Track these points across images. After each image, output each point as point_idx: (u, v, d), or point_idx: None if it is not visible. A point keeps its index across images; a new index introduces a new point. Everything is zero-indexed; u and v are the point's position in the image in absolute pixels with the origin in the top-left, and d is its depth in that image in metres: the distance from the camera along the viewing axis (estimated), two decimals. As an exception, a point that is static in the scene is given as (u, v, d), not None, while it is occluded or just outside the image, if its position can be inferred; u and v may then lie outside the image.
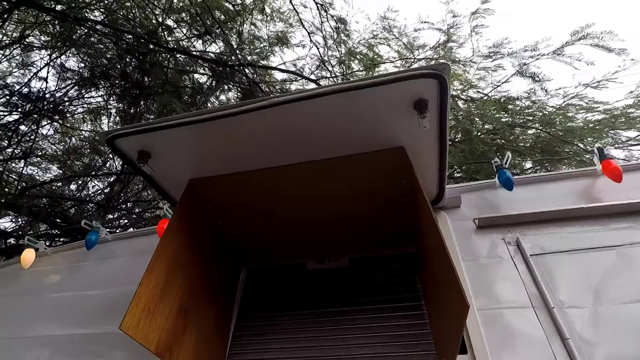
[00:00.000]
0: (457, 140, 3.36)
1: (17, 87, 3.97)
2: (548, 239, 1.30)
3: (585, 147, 2.73)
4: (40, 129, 4.26)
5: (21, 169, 4.39)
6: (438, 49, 3.83)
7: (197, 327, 1.24)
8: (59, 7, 3.25)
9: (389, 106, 1.08)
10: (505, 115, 3.19)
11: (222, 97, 4.29)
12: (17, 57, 4.21)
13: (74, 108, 4.44)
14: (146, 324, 0.99)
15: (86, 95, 4.32)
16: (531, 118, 3.20)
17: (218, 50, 4.00)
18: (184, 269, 1.26)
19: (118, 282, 1.65)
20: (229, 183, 1.38)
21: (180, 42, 3.94)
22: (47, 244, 2.00)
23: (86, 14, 3.39)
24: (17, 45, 4.03)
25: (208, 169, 1.35)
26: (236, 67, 3.75)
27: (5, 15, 3.52)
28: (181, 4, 3.87)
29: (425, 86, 1.00)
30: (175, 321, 1.13)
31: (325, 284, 1.60)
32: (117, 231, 1.95)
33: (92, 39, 3.58)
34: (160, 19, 3.79)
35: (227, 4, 3.90)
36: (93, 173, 5.14)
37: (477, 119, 3.32)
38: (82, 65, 4.02)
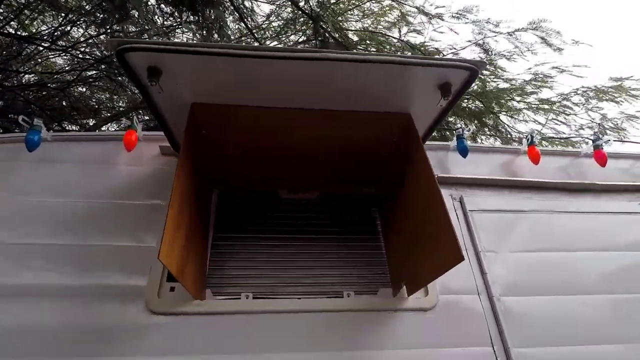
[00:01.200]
0: None
1: None
2: (483, 199, 1.70)
3: (495, 113, 3.36)
4: None
5: None
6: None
7: (194, 254, 1.30)
8: None
9: (416, 81, 1.20)
10: None
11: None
12: None
13: None
14: (169, 253, 1.03)
15: None
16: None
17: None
18: (189, 196, 1.26)
19: (66, 193, 1.51)
20: (227, 113, 1.34)
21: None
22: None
23: None
24: None
25: (211, 97, 1.28)
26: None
27: None
28: None
29: (457, 74, 1.15)
30: (183, 250, 1.17)
31: (295, 213, 1.77)
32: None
33: None
34: None
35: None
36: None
37: None
38: None
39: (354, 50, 3.61)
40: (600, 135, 1.81)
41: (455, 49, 3.68)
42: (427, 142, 1.94)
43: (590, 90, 3.80)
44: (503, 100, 3.46)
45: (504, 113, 3.49)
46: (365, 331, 1.33)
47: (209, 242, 1.56)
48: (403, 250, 1.49)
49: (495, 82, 3.61)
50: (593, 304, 1.48)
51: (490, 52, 3.54)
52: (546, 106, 3.66)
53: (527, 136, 1.81)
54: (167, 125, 1.38)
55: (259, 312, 1.33)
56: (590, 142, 1.86)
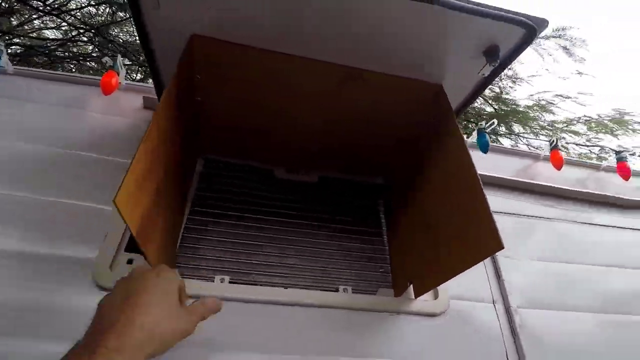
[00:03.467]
0: None
1: None
2: (501, 200, 1.53)
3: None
4: None
5: None
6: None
7: (164, 219, 1.06)
8: None
9: (455, 38, 1.02)
10: None
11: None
12: None
13: None
14: (131, 201, 0.79)
15: None
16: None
17: None
18: (166, 147, 1.03)
19: (25, 136, 1.25)
20: (230, 54, 1.12)
21: None
22: None
23: None
24: None
25: (215, 30, 1.07)
26: None
27: None
28: None
29: (508, 32, 0.97)
30: (151, 207, 0.93)
31: (290, 195, 1.55)
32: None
33: None
34: None
35: None
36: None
37: None
38: None
39: None
40: (624, 149, 1.67)
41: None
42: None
43: (592, 121, 3.78)
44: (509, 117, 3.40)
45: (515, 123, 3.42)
46: (362, 334, 1.11)
47: (185, 214, 1.33)
48: (413, 246, 1.28)
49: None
50: (617, 324, 1.30)
51: None
52: (549, 131, 3.61)
53: (550, 140, 1.65)
54: (156, 63, 1.15)
55: (233, 300, 1.09)
56: (614, 154, 1.72)
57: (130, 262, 1.10)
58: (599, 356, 1.21)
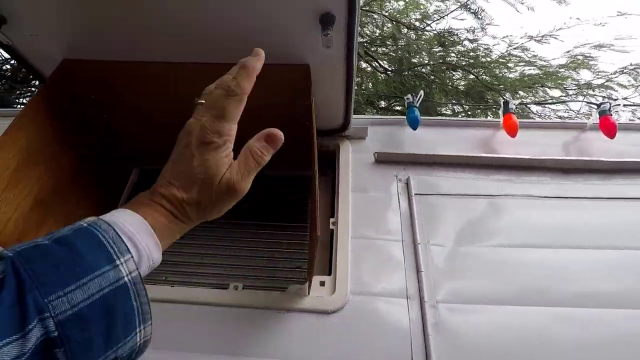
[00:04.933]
0: (390, 70, 3.28)
1: None
2: (435, 180, 1.35)
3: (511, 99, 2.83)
4: None
5: None
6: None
7: (62, 223, 1.16)
8: None
9: (293, 16, 0.95)
10: (442, 51, 3.14)
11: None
12: None
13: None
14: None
15: None
16: (472, 61, 3.19)
17: None
18: (47, 160, 1.12)
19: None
20: (113, 72, 1.19)
21: None
22: None
23: None
24: None
25: (89, 49, 1.14)
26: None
27: None
28: None
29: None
30: (29, 214, 1.03)
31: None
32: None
33: None
34: None
35: None
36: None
37: (415, 50, 3.23)
38: None
39: None
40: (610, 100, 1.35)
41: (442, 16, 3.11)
42: (378, 116, 1.64)
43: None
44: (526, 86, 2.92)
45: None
46: (246, 332, 1.07)
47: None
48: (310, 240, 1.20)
49: (520, 67, 3.08)
50: (581, 319, 1.05)
51: (479, 15, 2.99)
52: (589, 91, 3.03)
53: (501, 103, 1.42)
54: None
55: None
56: (595, 107, 1.41)
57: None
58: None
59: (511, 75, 3.13)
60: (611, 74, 3.09)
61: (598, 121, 1.39)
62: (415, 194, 1.31)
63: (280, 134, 0.55)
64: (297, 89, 1.16)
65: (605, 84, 3.08)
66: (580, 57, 3.07)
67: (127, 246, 0.41)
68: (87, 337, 0.36)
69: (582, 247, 1.17)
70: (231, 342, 1.06)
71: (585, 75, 3.11)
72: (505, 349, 1.01)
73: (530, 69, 3.13)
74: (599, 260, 1.15)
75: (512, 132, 1.36)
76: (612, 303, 1.06)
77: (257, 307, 1.11)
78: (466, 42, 3.06)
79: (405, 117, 1.47)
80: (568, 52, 3.14)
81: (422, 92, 1.40)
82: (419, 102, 1.41)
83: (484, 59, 3.08)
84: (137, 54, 1.14)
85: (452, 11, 3.05)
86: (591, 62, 3.11)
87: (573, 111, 3.12)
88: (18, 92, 4.26)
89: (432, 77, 3.07)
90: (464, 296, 1.11)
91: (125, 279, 0.40)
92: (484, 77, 2.89)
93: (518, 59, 3.14)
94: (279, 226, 1.43)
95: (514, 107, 1.38)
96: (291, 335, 1.06)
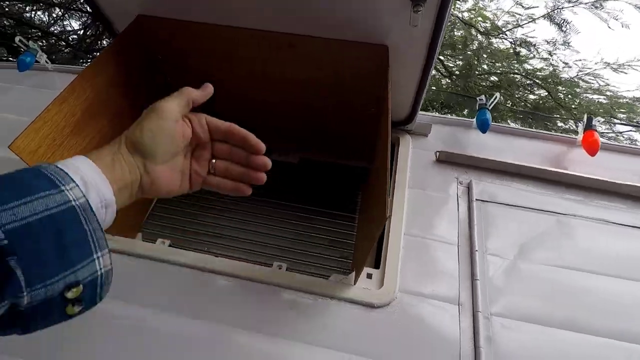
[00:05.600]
0: (455, 73, 3.15)
1: None
2: (498, 189, 1.26)
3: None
4: None
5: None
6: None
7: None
8: None
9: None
10: (516, 62, 2.98)
11: None
12: None
13: None
14: (48, 153, 0.89)
15: None
16: (546, 74, 3.00)
17: None
18: (110, 115, 1.13)
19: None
20: (185, 32, 1.19)
21: None
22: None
23: None
24: None
25: (165, 7, 1.15)
26: None
27: None
28: None
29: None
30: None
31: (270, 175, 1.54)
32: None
33: None
34: None
35: None
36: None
37: (485, 56, 3.08)
38: None
39: None
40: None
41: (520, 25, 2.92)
42: (444, 116, 1.56)
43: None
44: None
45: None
46: (284, 316, 1.03)
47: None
48: (362, 231, 1.16)
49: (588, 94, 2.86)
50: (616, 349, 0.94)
51: (563, 27, 2.79)
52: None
53: (585, 118, 1.32)
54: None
55: (165, 261, 1.10)
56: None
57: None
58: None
59: (576, 100, 2.94)
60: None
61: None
62: (476, 200, 1.23)
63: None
64: (370, 72, 1.12)
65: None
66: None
67: (71, 177, 0.41)
68: (38, 248, 0.36)
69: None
70: (272, 322, 1.02)
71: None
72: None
73: (599, 98, 2.93)
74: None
75: (592, 150, 1.26)
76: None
77: (301, 290, 1.07)
78: (544, 54, 2.88)
79: (471, 119, 1.40)
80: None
81: (497, 94, 1.32)
82: (492, 105, 1.33)
83: (550, 80, 2.91)
84: (212, 17, 1.13)
85: (532, 20, 2.88)
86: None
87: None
88: (82, 60, 4.50)
89: (499, 84, 2.92)
90: (520, 313, 1.02)
91: (73, 203, 0.39)
92: (560, 94, 2.73)
93: (587, 85, 2.94)
94: (327, 213, 1.39)
95: (597, 124, 1.28)
96: (334, 324, 1.01)
